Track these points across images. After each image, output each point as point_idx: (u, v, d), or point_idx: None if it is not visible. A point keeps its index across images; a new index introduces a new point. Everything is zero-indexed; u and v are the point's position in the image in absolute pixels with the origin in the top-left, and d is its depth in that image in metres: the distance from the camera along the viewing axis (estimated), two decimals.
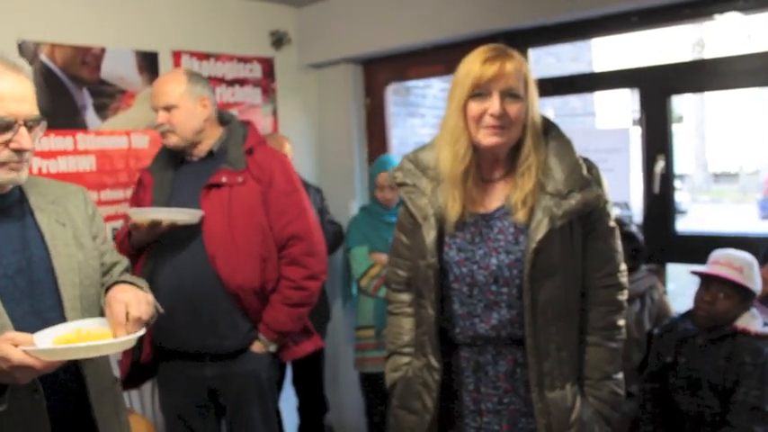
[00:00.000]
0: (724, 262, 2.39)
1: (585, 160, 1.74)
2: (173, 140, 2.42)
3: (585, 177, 1.69)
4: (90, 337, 1.42)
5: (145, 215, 2.31)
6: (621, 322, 1.78)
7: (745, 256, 2.40)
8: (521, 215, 1.69)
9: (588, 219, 1.71)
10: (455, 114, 1.71)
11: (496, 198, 1.76)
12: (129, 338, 1.45)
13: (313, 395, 3.62)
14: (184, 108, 2.40)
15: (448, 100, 1.76)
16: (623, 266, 1.79)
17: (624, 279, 1.79)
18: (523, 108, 1.68)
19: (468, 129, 1.69)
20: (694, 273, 2.48)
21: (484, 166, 1.77)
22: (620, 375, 1.78)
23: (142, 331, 1.49)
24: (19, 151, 1.47)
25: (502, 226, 1.73)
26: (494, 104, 1.64)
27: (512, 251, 1.70)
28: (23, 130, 1.47)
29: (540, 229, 1.64)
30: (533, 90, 1.71)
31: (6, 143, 1.46)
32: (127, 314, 1.49)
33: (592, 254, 1.74)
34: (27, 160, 1.52)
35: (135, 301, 1.52)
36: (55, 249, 1.57)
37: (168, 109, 2.39)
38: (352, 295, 3.58)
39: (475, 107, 1.67)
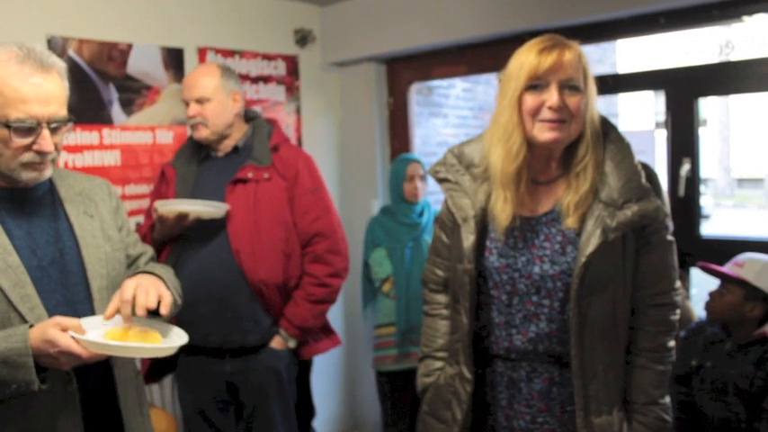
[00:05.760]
0: (741, 262, 2.38)
1: (645, 167, 1.60)
2: (204, 133, 2.43)
3: (644, 187, 1.55)
4: (138, 337, 1.44)
5: (171, 207, 2.31)
6: (672, 344, 1.64)
7: None
8: (571, 221, 1.56)
9: (643, 231, 1.57)
10: (508, 109, 1.56)
11: (545, 202, 1.63)
12: (177, 345, 1.47)
13: (301, 401, 3.63)
14: (217, 101, 2.41)
15: (498, 96, 1.61)
16: (678, 284, 1.65)
17: (678, 298, 1.65)
18: (583, 101, 1.54)
19: (522, 124, 1.56)
20: (702, 268, 2.48)
21: (535, 167, 1.63)
22: (668, 400, 1.64)
23: (185, 339, 1.51)
24: (41, 153, 1.46)
25: (549, 233, 1.60)
26: (552, 96, 1.51)
27: (557, 261, 1.57)
28: (46, 132, 1.45)
29: (592, 242, 1.52)
30: (592, 83, 1.57)
31: (29, 146, 1.45)
32: (134, 298, 1.48)
33: (645, 269, 1.60)
34: (51, 160, 1.52)
35: (143, 289, 1.50)
36: (84, 241, 1.58)
37: (201, 102, 2.40)
38: (372, 297, 3.57)
39: (531, 100, 1.53)
